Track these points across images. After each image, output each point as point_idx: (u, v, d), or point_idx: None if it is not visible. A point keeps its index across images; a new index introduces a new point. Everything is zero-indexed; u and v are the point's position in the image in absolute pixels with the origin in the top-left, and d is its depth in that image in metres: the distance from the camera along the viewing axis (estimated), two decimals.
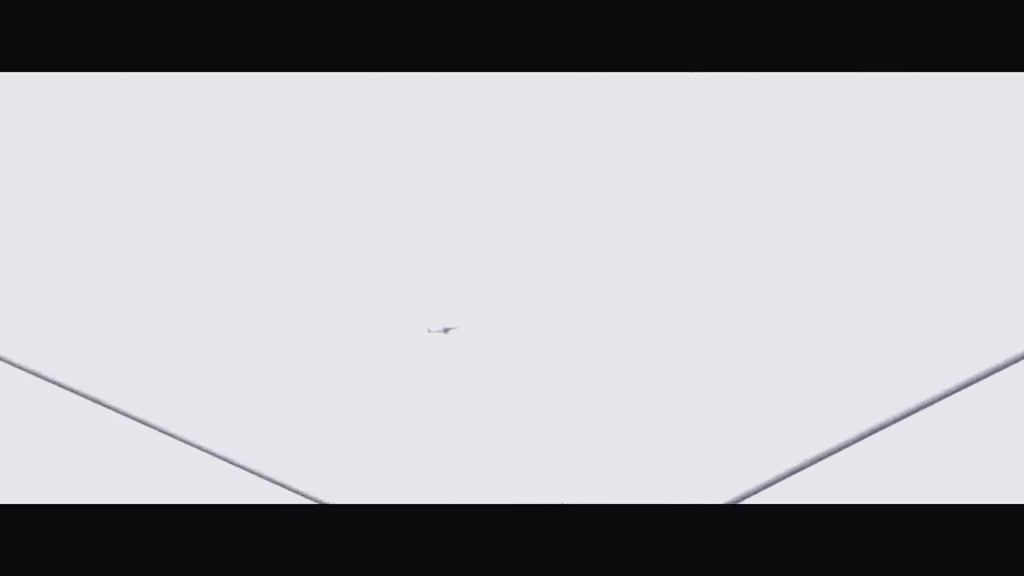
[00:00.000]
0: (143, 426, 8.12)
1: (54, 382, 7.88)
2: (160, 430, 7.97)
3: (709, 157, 8.68)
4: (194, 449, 8.09)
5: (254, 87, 8.79)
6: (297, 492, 8.11)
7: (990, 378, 7.22)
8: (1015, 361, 7.13)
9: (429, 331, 8.40)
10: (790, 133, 8.64)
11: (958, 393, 7.30)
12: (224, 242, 8.71)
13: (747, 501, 7.38)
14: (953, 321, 8.20)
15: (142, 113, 8.78)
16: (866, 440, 7.45)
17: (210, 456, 8.05)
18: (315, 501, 7.97)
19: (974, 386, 7.28)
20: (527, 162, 8.69)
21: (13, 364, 7.86)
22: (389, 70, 7.88)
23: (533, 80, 8.71)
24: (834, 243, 8.46)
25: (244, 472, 8.07)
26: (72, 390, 7.87)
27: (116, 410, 7.91)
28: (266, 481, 8.07)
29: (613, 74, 8.64)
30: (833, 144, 8.61)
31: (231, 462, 7.93)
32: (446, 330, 8.31)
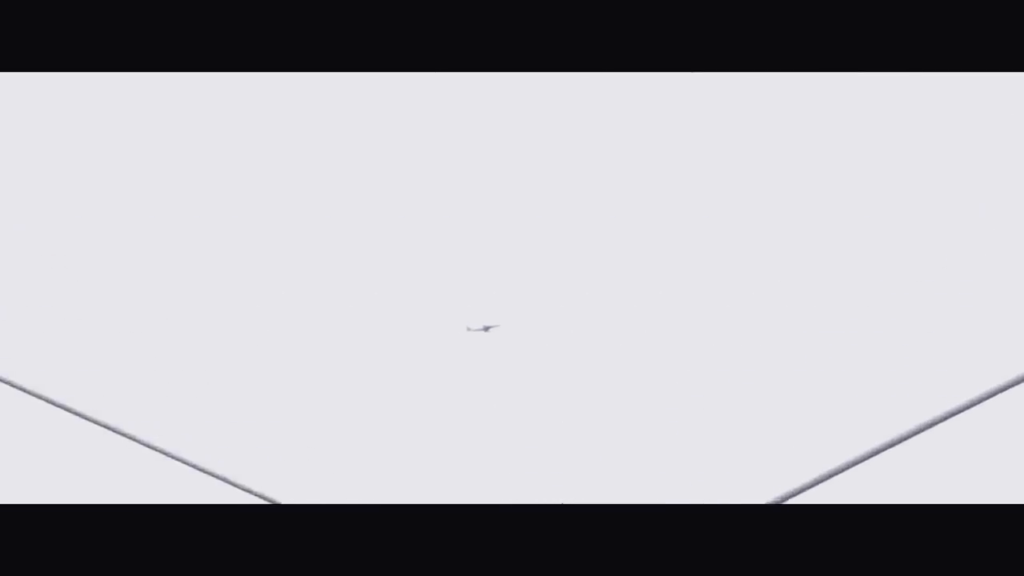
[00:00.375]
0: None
1: (2, 380, 7.85)
2: (173, 452, 7.95)
3: (717, 157, 8.68)
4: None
5: (260, 87, 8.79)
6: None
7: None
8: None
9: (469, 329, 8.34)
10: (790, 133, 8.64)
11: (1008, 391, 7.25)
12: (236, 241, 8.71)
13: (790, 501, 7.38)
14: (990, 321, 8.19)
15: (142, 113, 8.78)
16: (910, 441, 7.43)
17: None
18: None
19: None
20: (568, 163, 8.68)
21: None
22: (404, 70, 7.87)
23: (548, 80, 8.72)
24: (865, 241, 8.45)
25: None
26: (28, 391, 7.82)
27: (135, 439, 7.89)
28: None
29: (622, 74, 8.65)
30: (833, 144, 8.61)
31: (238, 486, 7.92)
32: (487, 328, 8.25)
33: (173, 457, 7.85)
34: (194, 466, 7.82)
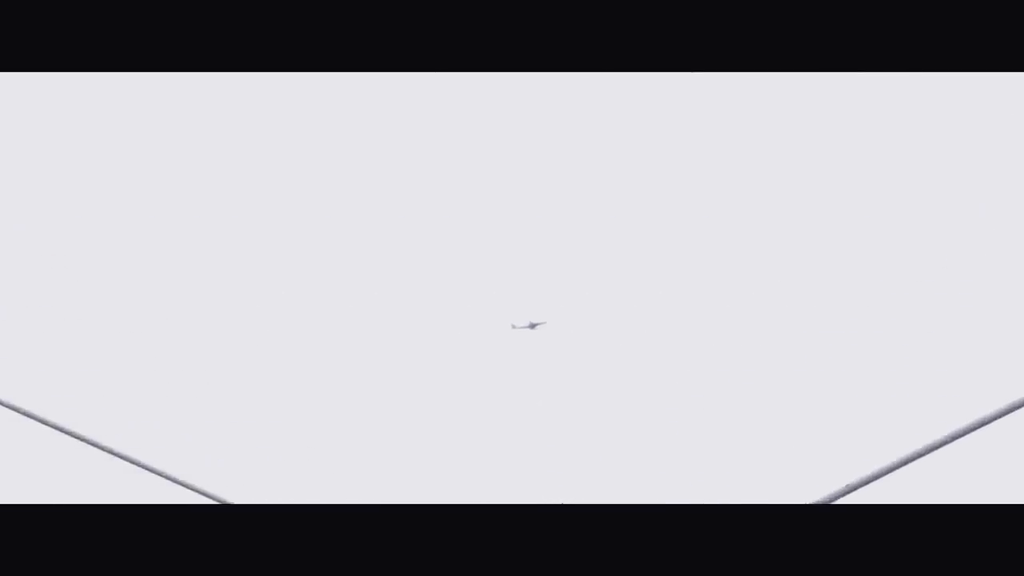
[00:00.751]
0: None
1: None
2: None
3: (742, 158, 8.68)
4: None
5: (274, 87, 8.79)
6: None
7: None
8: None
9: (514, 327, 8.27)
10: (790, 133, 8.65)
11: None
12: (252, 240, 8.71)
13: (837, 501, 7.36)
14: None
15: (142, 113, 8.77)
16: (959, 442, 7.40)
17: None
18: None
19: None
20: (615, 165, 8.67)
21: None
22: (429, 70, 7.86)
23: (577, 80, 8.72)
24: (899, 243, 8.46)
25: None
26: None
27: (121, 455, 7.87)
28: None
29: (641, 74, 8.65)
30: (833, 144, 8.62)
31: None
32: (533, 325, 8.18)
33: (175, 480, 7.84)
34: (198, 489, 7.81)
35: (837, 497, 7.23)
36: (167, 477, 7.68)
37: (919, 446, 7.16)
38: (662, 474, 8.35)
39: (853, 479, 7.21)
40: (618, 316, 8.58)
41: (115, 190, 8.73)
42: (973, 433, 7.10)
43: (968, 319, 8.30)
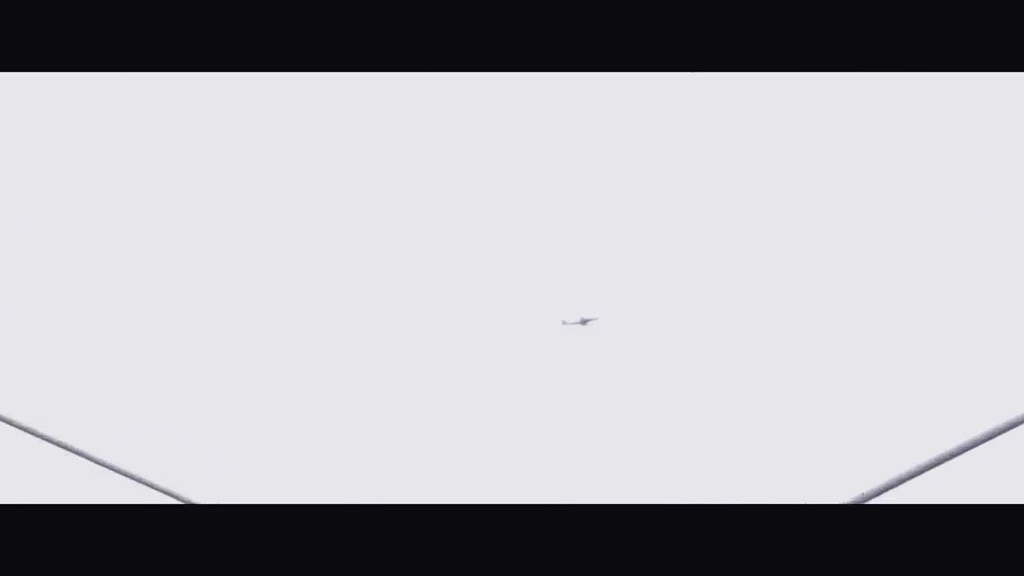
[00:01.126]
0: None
1: None
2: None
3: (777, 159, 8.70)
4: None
5: (301, 87, 8.79)
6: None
7: None
8: None
9: (564, 323, 8.24)
10: (797, 133, 8.68)
11: None
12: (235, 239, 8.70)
13: (871, 501, 7.38)
14: None
15: (142, 113, 8.76)
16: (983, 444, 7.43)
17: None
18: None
19: None
20: (668, 165, 8.68)
21: None
22: (471, 70, 7.86)
23: (616, 80, 8.74)
24: (934, 245, 8.49)
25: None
26: None
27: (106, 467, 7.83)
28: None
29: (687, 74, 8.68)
30: (833, 144, 8.65)
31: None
32: (584, 321, 8.15)
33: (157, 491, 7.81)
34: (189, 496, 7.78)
35: (870, 497, 7.25)
36: (132, 477, 7.66)
37: (948, 448, 7.19)
38: (702, 472, 8.38)
39: (884, 479, 7.24)
40: (668, 313, 8.59)
41: (109, 189, 8.72)
42: (998, 437, 7.13)
43: (997, 318, 8.33)
